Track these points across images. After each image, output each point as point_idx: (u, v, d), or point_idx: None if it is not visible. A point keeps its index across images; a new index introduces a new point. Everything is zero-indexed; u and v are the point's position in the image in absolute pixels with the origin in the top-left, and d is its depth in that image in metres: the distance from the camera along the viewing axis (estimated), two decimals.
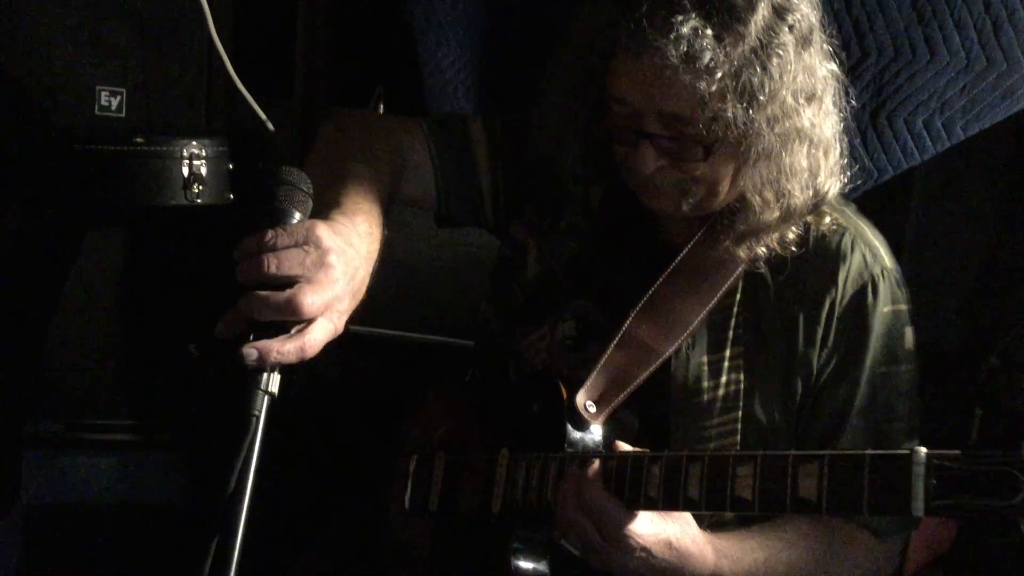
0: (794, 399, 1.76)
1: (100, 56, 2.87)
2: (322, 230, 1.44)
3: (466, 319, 2.13)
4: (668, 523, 1.58)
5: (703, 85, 1.55)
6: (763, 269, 1.76)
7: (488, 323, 2.00)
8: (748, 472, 1.45)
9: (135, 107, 2.89)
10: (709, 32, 1.54)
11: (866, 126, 2.29)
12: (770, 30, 1.57)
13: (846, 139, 1.74)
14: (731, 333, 1.77)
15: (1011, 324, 2.27)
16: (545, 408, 1.75)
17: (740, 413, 1.75)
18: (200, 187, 2.78)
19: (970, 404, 2.23)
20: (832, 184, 1.71)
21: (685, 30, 1.53)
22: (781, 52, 1.58)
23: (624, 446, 1.63)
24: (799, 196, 1.68)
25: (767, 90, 1.57)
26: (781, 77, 1.58)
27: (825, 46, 1.67)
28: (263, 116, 2.96)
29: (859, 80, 2.25)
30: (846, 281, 1.75)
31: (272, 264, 1.39)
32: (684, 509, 1.55)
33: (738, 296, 1.78)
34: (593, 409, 1.71)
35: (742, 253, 1.73)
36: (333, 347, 1.48)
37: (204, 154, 2.79)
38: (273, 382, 1.38)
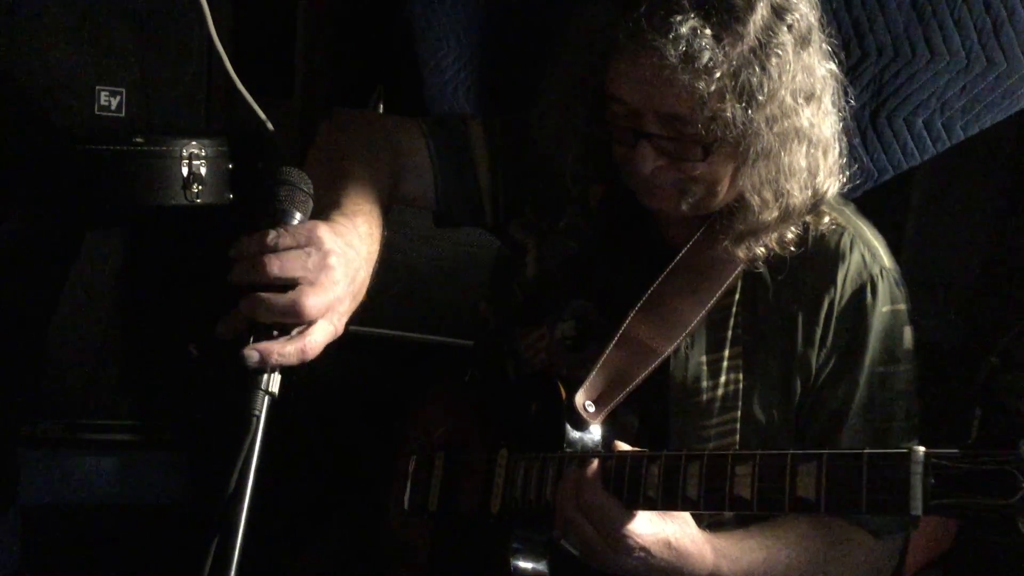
0: (793, 399, 1.76)
1: (100, 56, 2.87)
2: (323, 232, 1.45)
3: (465, 319, 2.13)
4: (667, 523, 1.59)
5: (702, 85, 1.55)
6: (762, 269, 1.76)
7: (487, 323, 2.00)
8: (747, 471, 1.45)
9: (135, 107, 2.90)
10: (708, 32, 1.54)
11: (866, 126, 2.29)
12: (769, 30, 1.58)
13: (845, 139, 1.74)
14: (730, 333, 1.77)
15: (1011, 324, 2.27)
16: (544, 408, 1.75)
17: (739, 413, 1.75)
18: (200, 187, 2.79)
19: (970, 404, 2.23)
20: (831, 184, 1.71)
21: (684, 30, 1.53)
22: (780, 52, 1.58)
23: (623, 446, 1.63)
24: (798, 196, 1.68)
25: (766, 90, 1.57)
26: (780, 77, 1.58)
27: (824, 46, 1.67)
28: (263, 116, 2.96)
29: (859, 80, 2.25)
30: (845, 281, 1.75)
31: (275, 266, 1.40)
32: (683, 509, 1.55)
33: (737, 296, 1.78)
34: (592, 409, 1.71)
35: (741, 253, 1.73)
36: (333, 347, 1.48)
37: (204, 154, 2.80)
38: (273, 382, 1.39)
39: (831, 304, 1.74)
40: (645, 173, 1.67)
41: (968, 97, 2.22)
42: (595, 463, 1.60)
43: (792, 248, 1.74)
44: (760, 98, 1.57)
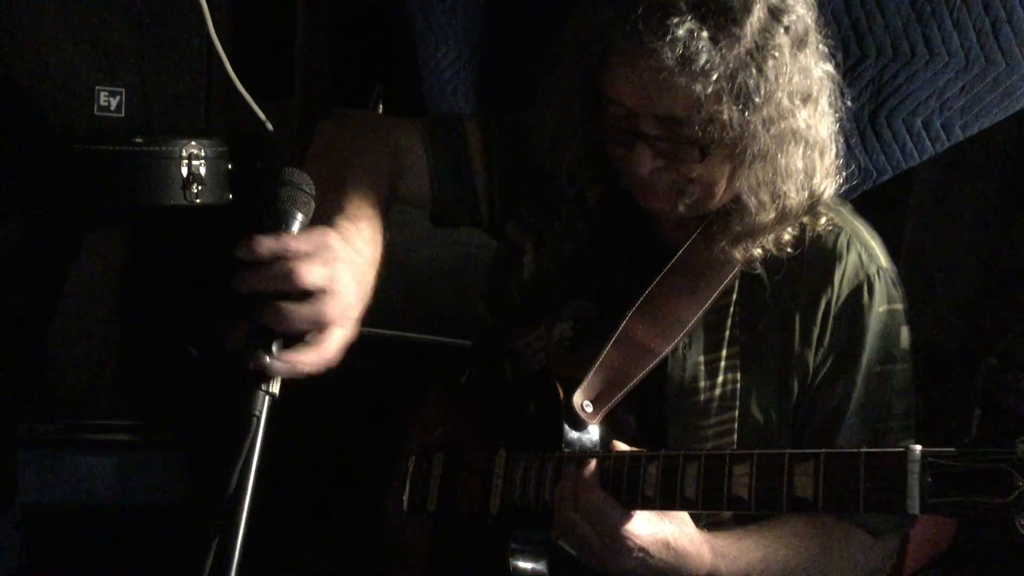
0: (790, 398, 1.76)
1: (100, 56, 2.87)
2: (334, 239, 1.46)
3: (464, 319, 2.13)
4: (665, 523, 1.59)
5: (699, 87, 1.55)
6: (759, 269, 1.76)
7: (485, 323, 2.01)
8: (745, 471, 1.46)
9: (134, 107, 2.89)
10: (705, 34, 1.54)
11: (865, 126, 2.29)
12: (765, 32, 1.58)
13: (842, 140, 1.74)
14: (728, 333, 1.77)
15: (1011, 324, 2.27)
16: (542, 408, 1.75)
17: (737, 412, 1.75)
18: (199, 187, 2.79)
19: (969, 404, 2.24)
20: (828, 185, 1.72)
21: (681, 32, 1.53)
22: (777, 54, 1.58)
23: (621, 446, 1.63)
24: (795, 197, 1.68)
25: (763, 92, 1.58)
26: (777, 79, 1.58)
27: (821, 47, 1.67)
28: (262, 116, 2.96)
29: (858, 80, 2.25)
30: (842, 281, 1.75)
31: (300, 275, 1.40)
32: (681, 508, 1.55)
33: (735, 296, 1.78)
34: (590, 409, 1.72)
35: (738, 254, 1.73)
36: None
37: (203, 154, 2.80)
38: (274, 383, 1.39)
39: (828, 304, 1.75)
40: (642, 174, 1.67)
41: (967, 97, 2.22)
42: (593, 463, 1.60)
43: (789, 249, 1.74)
44: (757, 100, 1.57)
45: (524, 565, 1.71)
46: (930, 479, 1.30)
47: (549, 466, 1.68)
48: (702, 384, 1.76)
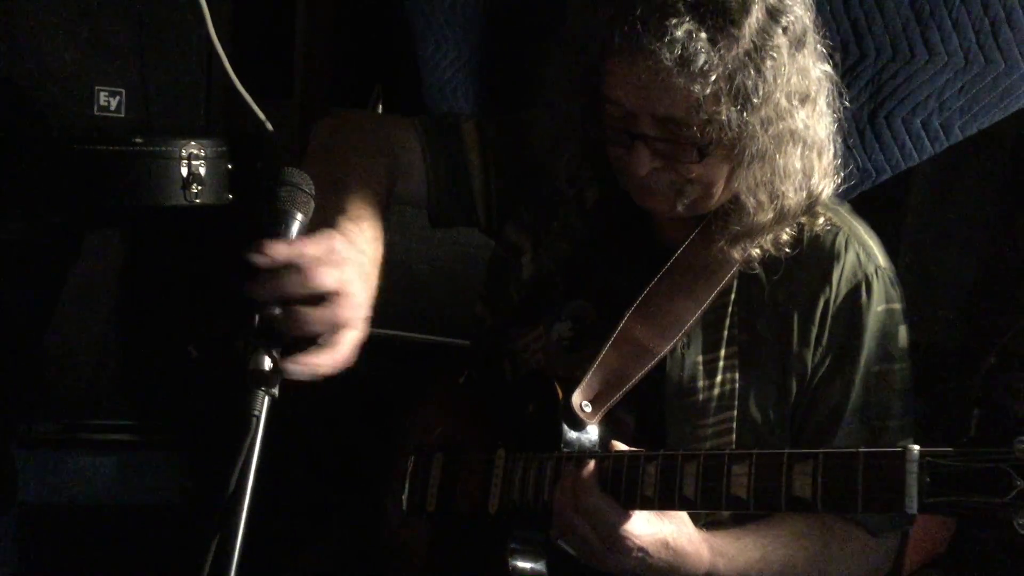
0: (789, 398, 1.76)
1: (100, 56, 2.87)
2: (340, 242, 1.47)
3: (463, 319, 2.13)
4: (664, 523, 1.59)
5: (697, 88, 1.55)
6: (758, 269, 1.76)
7: (484, 324, 2.01)
8: (743, 471, 1.46)
9: (134, 107, 2.89)
10: (703, 35, 1.54)
11: (864, 126, 2.29)
12: (764, 32, 1.58)
13: (840, 140, 1.74)
14: (726, 333, 1.77)
15: (1010, 324, 2.27)
16: (541, 408, 1.75)
17: (735, 412, 1.75)
18: (199, 187, 2.79)
19: (969, 404, 2.23)
20: (826, 185, 1.72)
21: (679, 33, 1.53)
22: (775, 54, 1.58)
23: (620, 446, 1.63)
24: (793, 197, 1.68)
25: (761, 92, 1.58)
26: (775, 79, 1.59)
27: (819, 47, 1.67)
28: (262, 116, 2.96)
29: (857, 80, 2.25)
30: (840, 280, 1.75)
31: (311, 280, 1.40)
32: (680, 508, 1.56)
33: (733, 296, 1.78)
34: (589, 409, 1.72)
35: (736, 254, 1.73)
36: None
37: (203, 154, 2.80)
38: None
39: (826, 304, 1.75)
40: (641, 174, 1.67)
41: (966, 97, 2.22)
42: (592, 463, 1.60)
43: (787, 249, 1.74)
44: (755, 100, 1.58)
45: (523, 565, 1.71)
46: (928, 479, 1.30)
47: (548, 466, 1.68)
48: (701, 384, 1.76)
